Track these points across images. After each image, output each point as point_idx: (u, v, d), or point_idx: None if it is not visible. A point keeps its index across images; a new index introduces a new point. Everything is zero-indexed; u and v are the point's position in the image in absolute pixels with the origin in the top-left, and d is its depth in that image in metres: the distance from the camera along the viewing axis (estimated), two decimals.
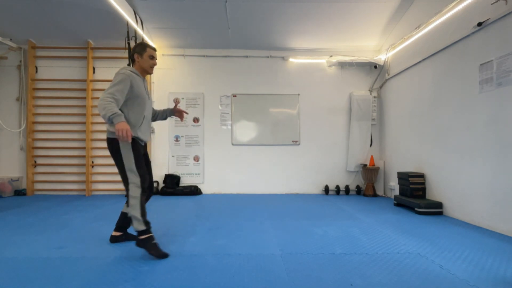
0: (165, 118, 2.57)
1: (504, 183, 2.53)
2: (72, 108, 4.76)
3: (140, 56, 2.20)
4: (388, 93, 4.70)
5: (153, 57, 2.24)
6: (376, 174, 4.73)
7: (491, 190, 2.67)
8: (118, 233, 2.28)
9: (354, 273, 1.70)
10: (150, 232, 2.00)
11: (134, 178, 2.03)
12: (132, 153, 2.04)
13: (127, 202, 2.15)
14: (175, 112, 2.51)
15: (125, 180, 2.04)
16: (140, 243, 1.98)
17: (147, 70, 2.24)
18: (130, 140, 1.89)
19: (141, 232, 1.97)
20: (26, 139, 4.66)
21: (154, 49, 2.27)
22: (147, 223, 2.00)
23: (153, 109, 2.48)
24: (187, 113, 2.60)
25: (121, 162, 2.04)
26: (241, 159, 4.94)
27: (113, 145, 2.05)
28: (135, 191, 2.00)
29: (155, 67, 2.29)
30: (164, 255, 1.97)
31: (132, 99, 2.09)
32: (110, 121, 1.87)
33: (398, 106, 4.38)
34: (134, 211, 1.98)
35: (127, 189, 2.03)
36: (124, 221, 2.26)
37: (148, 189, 2.21)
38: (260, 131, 4.95)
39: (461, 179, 3.04)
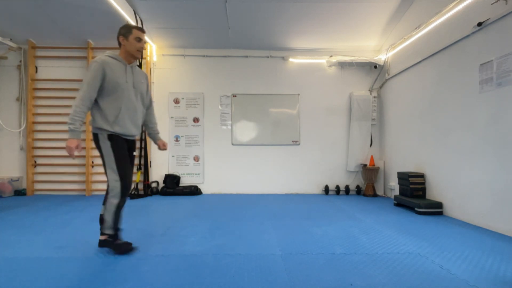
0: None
1: (504, 183, 2.53)
2: None
3: (125, 38, 2.00)
4: (388, 93, 4.70)
5: (140, 40, 2.02)
6: (376, 174, 4.73)
7: (491, 190, 2.67)
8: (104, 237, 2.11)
9: (354, 273, 1.70)
10: (117, 238, 2.01)
11: (114, 181, 1.94)
12: (111, 151, 1.94)
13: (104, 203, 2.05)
14: (157, 143, 2.39)
15: (107, 179, 1.99)
16: (103, 244, 2.00)
17: (133, 54, 2.04)
18: (74, 157, 2.00)
19: (108, 235, 1.99)
20: (26, 139, 4.66)
21: (142, 31, 2.05)
22: (116, 230, 2.01)
23: (152, 121, 2.34)
24: (165, 149, 2.39)
25: (102, 158, 1.98)
26: (241, 159, 4.94)
27: (95, 140, 2.00)
28: (113, 199, 1.96)
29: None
30: (129, 249, 1.99)
31: (106, 89, 1.90)
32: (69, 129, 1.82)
33: (398, 106, 4.38)
34: (108, 216, 1.97)
35: (107, 191, 1.98)
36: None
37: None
38: (260, 131, 4.95)
39: (461, 179, 3.04)
